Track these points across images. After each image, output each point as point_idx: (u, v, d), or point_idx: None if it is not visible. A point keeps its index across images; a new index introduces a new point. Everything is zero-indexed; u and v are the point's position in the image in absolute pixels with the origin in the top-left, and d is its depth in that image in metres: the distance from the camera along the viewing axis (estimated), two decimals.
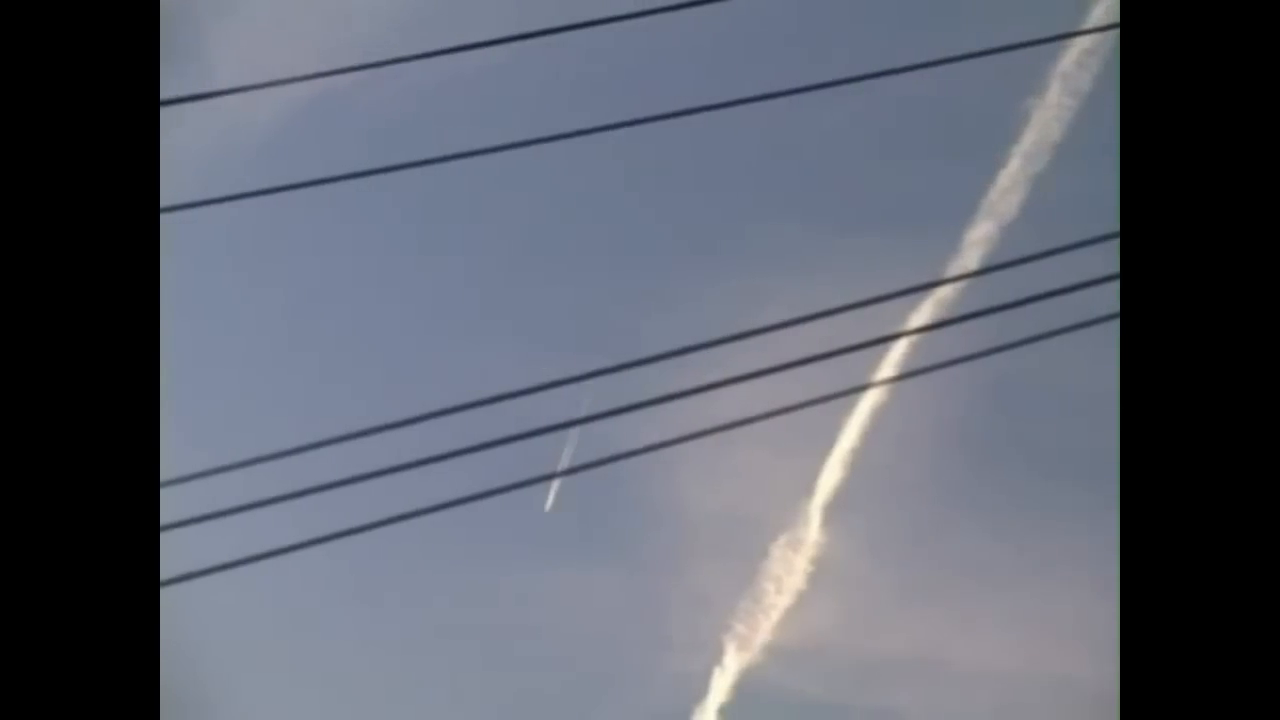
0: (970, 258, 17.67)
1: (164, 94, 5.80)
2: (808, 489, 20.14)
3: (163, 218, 5.68)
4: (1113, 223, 5.77)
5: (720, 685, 19.77)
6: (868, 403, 18.04)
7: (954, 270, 17.32)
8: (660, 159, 18.39)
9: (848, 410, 17.95)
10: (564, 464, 6.73)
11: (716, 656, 20.00)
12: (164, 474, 5.51)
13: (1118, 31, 5.50)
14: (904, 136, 18.59)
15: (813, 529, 20.13)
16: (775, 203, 19.63)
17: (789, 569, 20.01)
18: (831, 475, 19.97)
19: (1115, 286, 5.92)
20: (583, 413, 6.49)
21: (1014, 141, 18.20)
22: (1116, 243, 5.91)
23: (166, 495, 5.56)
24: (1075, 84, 17.48)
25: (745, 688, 19.77)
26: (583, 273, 20.33)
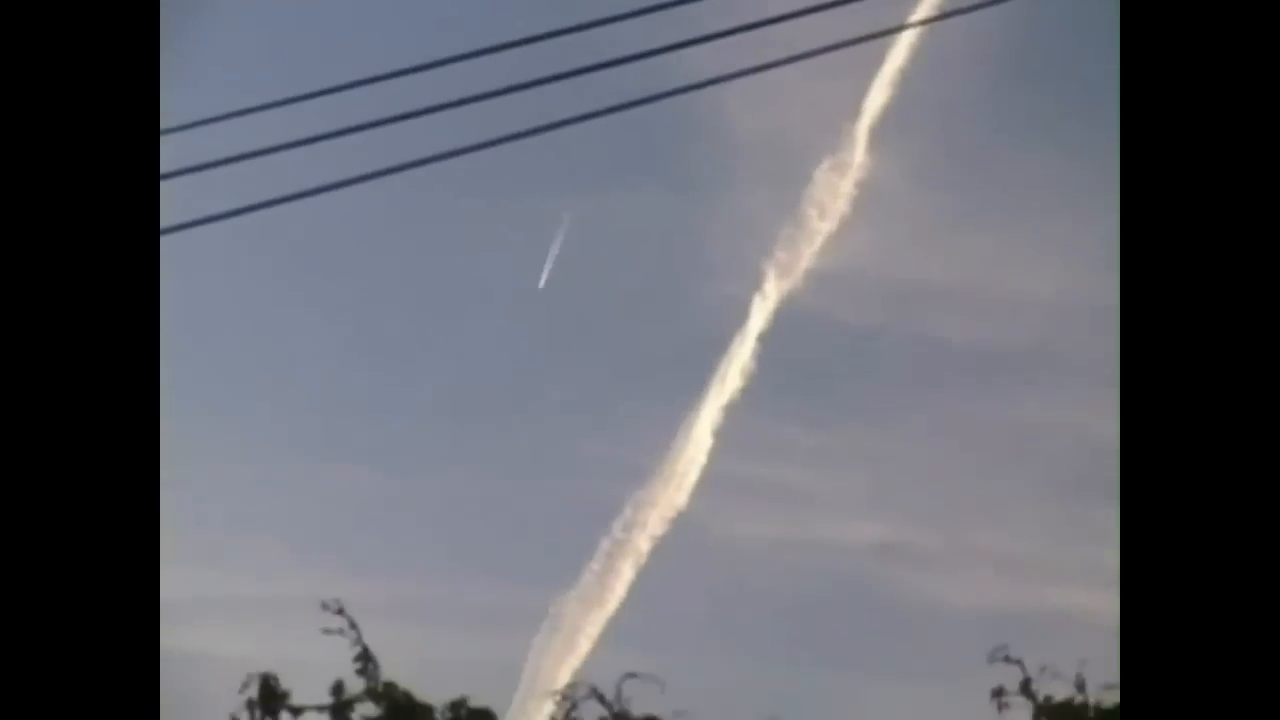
0: None
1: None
2: (853, 111, 19.23)
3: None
4: None
5: (761, 311, 19.19)
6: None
7: None
8: None
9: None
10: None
11: (758, 283, 19.38)
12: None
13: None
14: None
15: (858, 152, 19.27)
16: None
17: (833, 194, 19.20)
18: (878, 96, 19.07)
19: None
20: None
21: None
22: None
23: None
24: None
25: (786, 315, 19.11)
26: None
